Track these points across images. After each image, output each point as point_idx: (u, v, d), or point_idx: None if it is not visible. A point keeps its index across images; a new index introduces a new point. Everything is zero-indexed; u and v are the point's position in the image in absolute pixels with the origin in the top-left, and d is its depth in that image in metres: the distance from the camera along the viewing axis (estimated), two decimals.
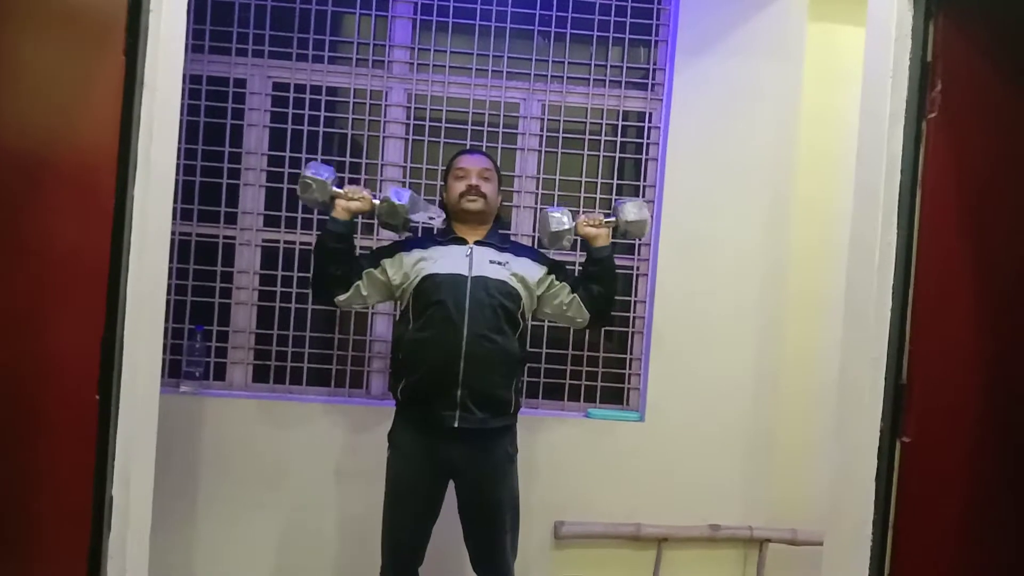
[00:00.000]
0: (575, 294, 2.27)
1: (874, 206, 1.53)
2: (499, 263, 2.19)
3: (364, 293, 2.21)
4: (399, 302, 2.29)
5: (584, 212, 2.51)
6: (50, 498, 1.47)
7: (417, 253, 2.21)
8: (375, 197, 2.22)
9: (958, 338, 1.46)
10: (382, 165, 2.77)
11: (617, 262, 2.80)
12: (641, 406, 2.81)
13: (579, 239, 2.34)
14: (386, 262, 2.22)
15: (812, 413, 2.76)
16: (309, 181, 2.16)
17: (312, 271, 2.29)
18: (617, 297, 2.48)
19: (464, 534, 2.21)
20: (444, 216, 2.31)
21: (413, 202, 2.22)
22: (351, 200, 2.18)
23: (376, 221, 2.35)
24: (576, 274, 2.40)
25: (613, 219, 2.30)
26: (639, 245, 2.84)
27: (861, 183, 1.59)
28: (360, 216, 2.26)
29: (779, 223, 2.79)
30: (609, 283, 2.29)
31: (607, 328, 2.84)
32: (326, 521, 2.69)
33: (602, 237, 2.28)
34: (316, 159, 2.73)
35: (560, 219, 2.27)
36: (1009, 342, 1.45)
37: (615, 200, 2.41)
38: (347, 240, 2.20)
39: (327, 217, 2.19)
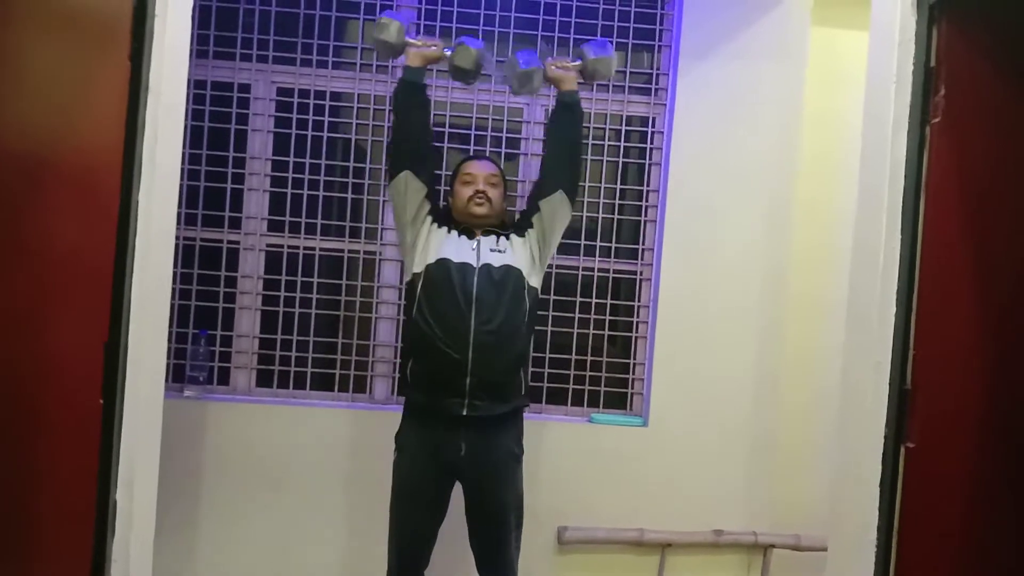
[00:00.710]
0: (545, 195, 2.24)
1: (878, 210, 1.53)
2: (499, 250, 2.22)
3: (421, 193, 2.21)
4: (406, 266, 2.27)
5: (552, 57, 2.37)
6: (54, 501, 1.47)
7: (442, 229, 2.23)
8: (447, 50, 2.22)
9: (963, 342, 1.46)
10: (385, 170, 2.77)
11: (619, 267, 2.85)
12: (644, 411, 2.81)
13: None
14: (429, 212, 2.23)
15: (815, 418, 2.75)
16: (386, 21, 2.16)
17: (392, 130, 2.27)
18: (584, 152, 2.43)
19: (470, 536, 2.22)
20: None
21: (485, 51, 2.23)
22: (426, 46, 2.20)
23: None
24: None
25: (579, 62, 2.26)
26: (642, 250, 2.84)
27: (865, 187, 1.59)
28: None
29: (781, 226, 2.79)
30: (577, 128, 2.28)
31: (611, 333, 2.84)
32: (329, 525, 2.69)
33: (569, 80, 2.25)
34: (320, 162, 2.74)
35: (529, 59, 2.24)
36: (1013, 346, 1.45)
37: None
38: (421, 90, 2.22)
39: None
